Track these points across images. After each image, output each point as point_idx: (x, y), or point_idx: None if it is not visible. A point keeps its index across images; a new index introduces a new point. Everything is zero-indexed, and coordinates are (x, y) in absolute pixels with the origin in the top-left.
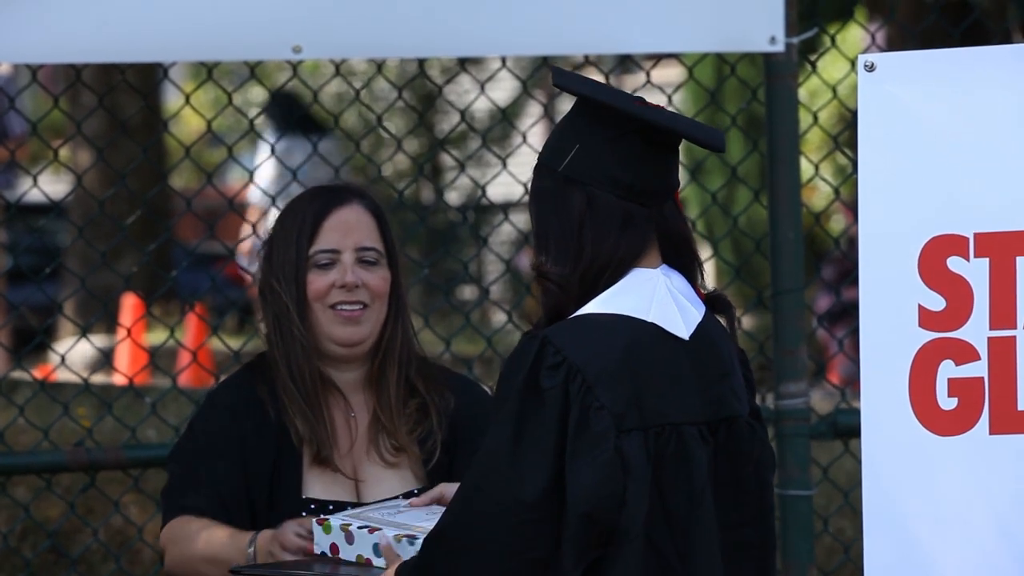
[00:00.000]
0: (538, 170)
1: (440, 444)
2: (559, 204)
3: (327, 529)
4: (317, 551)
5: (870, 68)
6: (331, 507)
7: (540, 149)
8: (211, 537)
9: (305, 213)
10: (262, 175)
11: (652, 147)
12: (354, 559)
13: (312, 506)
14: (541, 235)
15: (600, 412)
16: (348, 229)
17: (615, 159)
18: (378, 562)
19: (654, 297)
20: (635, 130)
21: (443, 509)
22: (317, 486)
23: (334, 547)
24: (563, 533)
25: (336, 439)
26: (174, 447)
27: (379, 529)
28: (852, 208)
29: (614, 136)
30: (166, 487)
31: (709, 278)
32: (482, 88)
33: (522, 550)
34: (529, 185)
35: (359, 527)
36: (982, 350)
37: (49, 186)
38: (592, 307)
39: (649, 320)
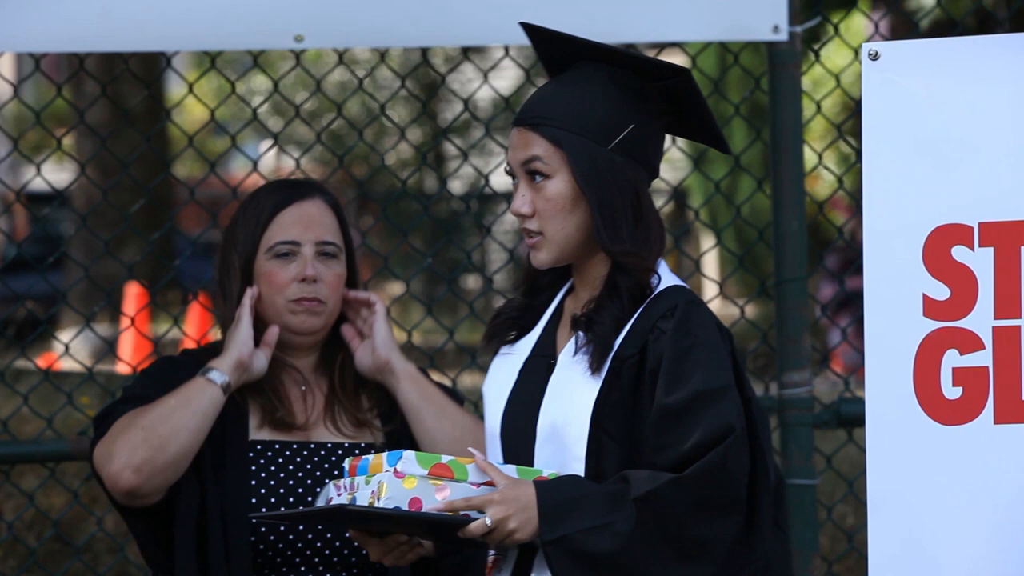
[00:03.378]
0: (583, 146)
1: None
2: (618, 181)
3: (409, 482)
4: (390, 505)
5: (874, 57)
6: (277, 445)
7: (567, 122)
8: (161, 401)
9: (265, 204)
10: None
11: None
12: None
13: (258, 447)
14: (607, 215)
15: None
16: (310, 222)
17: (657, 143)
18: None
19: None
20: (665, 123)
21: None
22: (264, 436)
23: (415, 501)
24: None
25: (291, 408)
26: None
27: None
28: (855, 197)
29: (663, 125)
30: (99, 417)
31: (713, 267)
32: (485, 77)
33: (744, 472)
34: (570, 163)
35: (456, 481)
36: (987, 339)
37: (52, 175)
38: (670, 279)
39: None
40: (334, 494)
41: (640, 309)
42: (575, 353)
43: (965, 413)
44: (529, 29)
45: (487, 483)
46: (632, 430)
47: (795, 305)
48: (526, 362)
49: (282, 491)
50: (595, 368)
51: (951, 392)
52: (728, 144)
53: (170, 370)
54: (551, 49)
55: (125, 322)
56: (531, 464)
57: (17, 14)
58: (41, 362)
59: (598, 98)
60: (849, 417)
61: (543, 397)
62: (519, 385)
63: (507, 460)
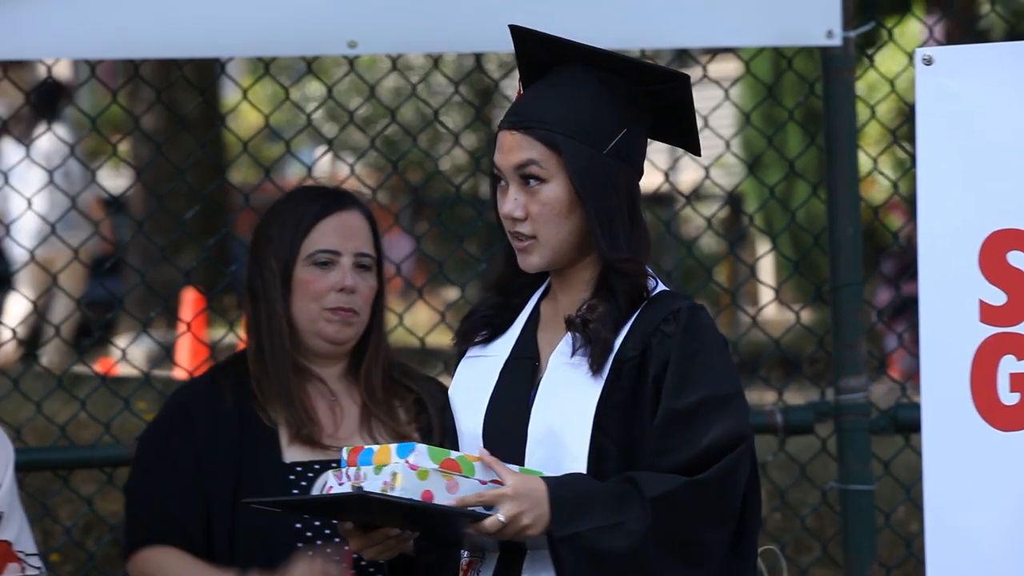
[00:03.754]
0: (579, 151)
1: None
2: (615, 186)
3: (422, 475)
4: (404, 496)
5: (928, 61)
6: (317, 466)
7: (558, 124)
8: None
9: (306, 210)
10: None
11: None
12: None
13: (298, 468)
14: (605, 220)
15: None
16: (350, 233)
17: (644, 146)
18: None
19: None
20: (648, 124)
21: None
22: (298, 455)
23: (427, 494)
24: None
25: (319, 421)
26: (133, 461)
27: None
28: (911, 203)
29: (649, 128)
30: (127, 507)
31: (768, 272)
32: None
33: (744, 480)
34: (567, 168)
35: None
36: None
37: (108, 181)
38: (659, 283)
39: None
40: (334, 482)
41: (637, 312)
42: (572, 354)
43: (1023, 419)
44: (518, 32)
45: (493, 481)
46: (631, 433)
47: (851, 310)
48: (506, 364)
49: None
50: (596, 369)
51: (1008, 398)
52: (699, 146)
53: (184, 427)
54: (538, 52)
55: (182, 327)
56: (520, 465)
57: (73, 21)
58: (99, 367)
59: (591, 102)
60: (906, 423)
61: (533, 399)
62: (501, 387)
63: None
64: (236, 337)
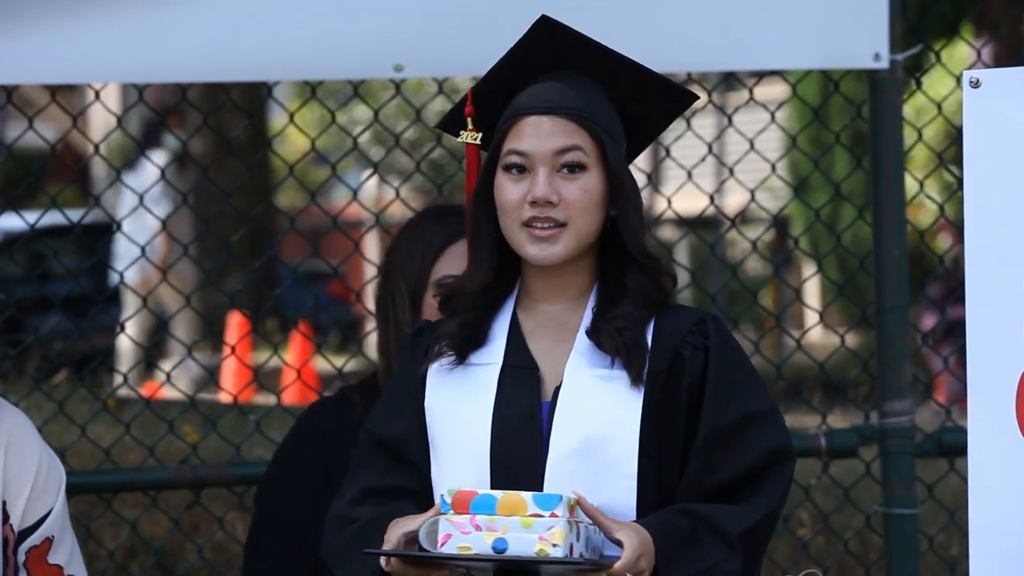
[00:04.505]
0: (616, 148)
1: None
2: (636, 188)
3: (571, 526)
4: (560, 553)
5: (975, 84)
6: None
7: (591, 116)
8: None
9: (433, 236)
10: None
11: None
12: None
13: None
14: (638, 219)
15: None
16: None
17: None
18: (611, 551)
19: None
20: None
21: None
22: None
23: (570, 547)
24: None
25: None
26: (262, 481)
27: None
28: (958, 227)
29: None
30: (255, 525)
31: (814, 295)
32: None
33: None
34: (610, 161)
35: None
36: None
37: (155, 205)
38: None
39: None
40: (452, 530)
41: (653, 319)
42: (611, 365)
43: None
44: (550, 24)
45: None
46: (662, 449)
47: (896, 334)
48: (502, 374)
49: None
50: (635, 378)
51: None
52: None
53: (321, 420)
54: (558, 49)
55: (227, 351)
56: (536, 481)
57: (121, 45)
58: (144, 391)
59: (613, 105)
60: (951, 447)
61: (549, 412)
62: (504, 400)
63: (499, 476)
64: (280, 360)
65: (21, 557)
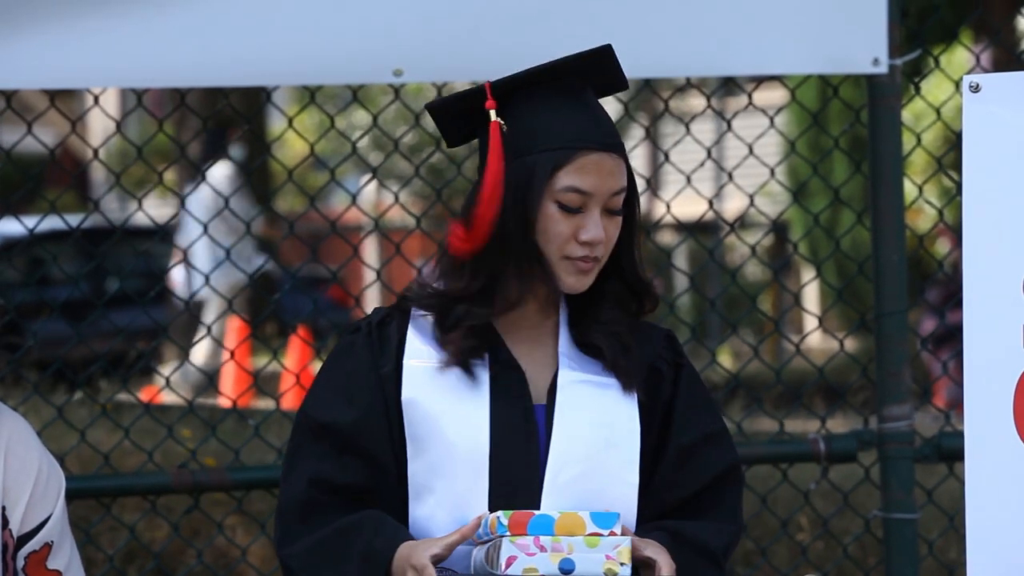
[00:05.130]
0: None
1: None
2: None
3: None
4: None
5: (975, 89)
6: None
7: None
8: None
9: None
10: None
11: None
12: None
13: None
14: (637, 248)
15: None
16: None
17: None
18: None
19: None
20: None
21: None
22: None
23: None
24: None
25: None
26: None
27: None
28: (957, 232)
29: None
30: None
31: (813, 300)
32: None
33: None
34: (634, 197)
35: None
36: None
37: (154, 210)
38: None
39: None
40: (518, 552)
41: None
42: (604, 370)
43: None
44: (608, 56)
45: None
46: (646, 457)
47: (895, 339)
48: (492, 375)
49: None
50: (628, 385)
51: None
52: None
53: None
54: (605, 82)
55: (226, 356)
56: (533, 482)
57: (119, 50)
58: (143, 396)
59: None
60: (950, 451)
61: (550, 414)
62: (497, 399)
63: (498, 476)
64: (279, 365)
65: (20, 562)
